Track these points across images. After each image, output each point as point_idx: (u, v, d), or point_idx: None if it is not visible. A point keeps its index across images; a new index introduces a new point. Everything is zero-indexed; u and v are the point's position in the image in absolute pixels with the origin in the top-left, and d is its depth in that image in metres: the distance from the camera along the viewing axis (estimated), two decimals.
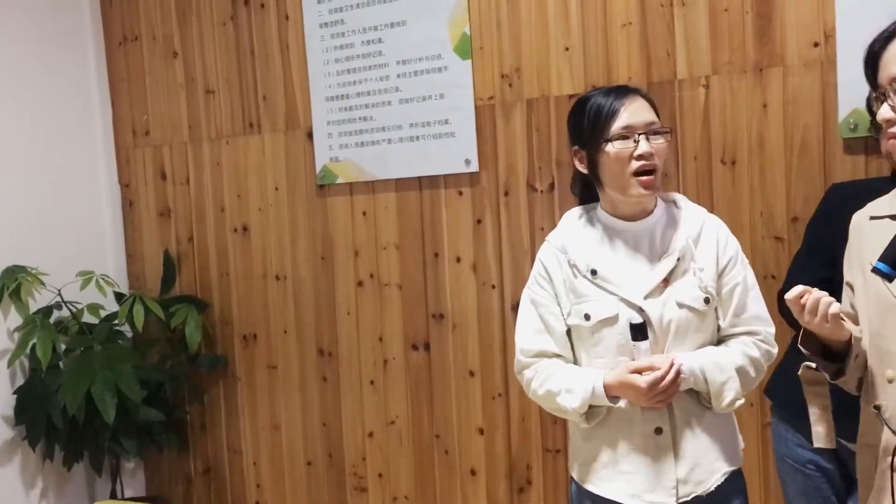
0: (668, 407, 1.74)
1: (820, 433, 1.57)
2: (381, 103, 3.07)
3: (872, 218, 1.51)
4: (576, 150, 1.85)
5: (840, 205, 2.04)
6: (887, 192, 1.56)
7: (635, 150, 1.74)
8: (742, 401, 1.78)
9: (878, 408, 1.45)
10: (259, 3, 3.31)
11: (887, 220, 1.46)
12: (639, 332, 1.74)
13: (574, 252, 1.83)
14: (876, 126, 2.06)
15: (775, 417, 2.24)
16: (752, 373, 1.78)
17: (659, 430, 1.75)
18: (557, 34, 2.74)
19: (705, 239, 1.80)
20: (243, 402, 3.53)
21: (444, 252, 3.02)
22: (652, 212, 1.82)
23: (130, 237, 3.76)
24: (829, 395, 1.55)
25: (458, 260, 2.99)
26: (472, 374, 3.00)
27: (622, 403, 1.76)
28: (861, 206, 1.58)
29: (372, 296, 3.18)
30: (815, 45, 2.37)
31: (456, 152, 2.94)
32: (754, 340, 1.80)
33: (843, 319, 1.44)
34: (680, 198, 1.89)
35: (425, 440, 3.12)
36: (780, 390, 2.21)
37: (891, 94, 1.37)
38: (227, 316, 3.53)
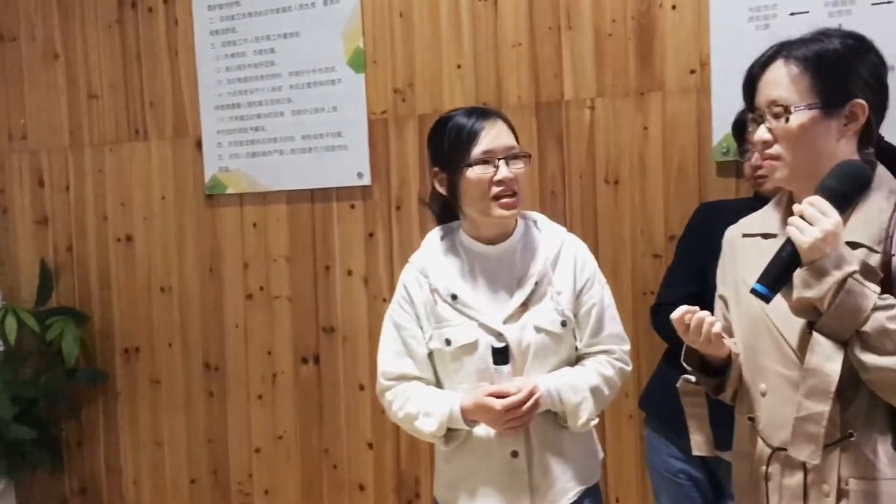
0: (524, 430, 1.76)
1: (699, 441, 1.61)
2: (274, 114, 3.04)
3: (745, 235, 1.55)
4: (436, 171, 1.85)
5: (707, 223, 2.17)
6: (749, 210, 1.62)
7: (495, 174, 1.75)
8: (596, 420, 1.82)
9: (752, 419, 1.51)
10: (147, 7, 3.22)
11: (759, 238, 1.50)
12: (500, 356, 1.76)
13: (435, 276, 1.83)
14: (741, 150, 2.20)
15: (648, 428, 2.32)
16: (607, 391, 1.82)
17: (515, 454, 1.77)
18: (450, 52, 2.78)
19: (563, 261, 1.83)
20: (124, 418, 3.40)
21: (335, 265, 3.00)
22: (512, 233, 1.84)
23: (3, 246, 3.57)
24: (706, 405, 1.61)
25: (350, 273, 2.98)
26: (361, 387, 2.99)
27: (479, 428, 1.78)
28: (726, 224, 1.64)
29: (261, 309, 3.13)
30: (692, 72, 2.50)
31: (348, 165, 2.93)
32: (609, 359, 1.84)
33: (723, 338, 1.49)
34: (540, 218, 1.91)
35: (314, 455, 3.09)
36: (653, 401, 2.30)
37: (768, 117, 1.42)
38: (108, 329, 3.40)
